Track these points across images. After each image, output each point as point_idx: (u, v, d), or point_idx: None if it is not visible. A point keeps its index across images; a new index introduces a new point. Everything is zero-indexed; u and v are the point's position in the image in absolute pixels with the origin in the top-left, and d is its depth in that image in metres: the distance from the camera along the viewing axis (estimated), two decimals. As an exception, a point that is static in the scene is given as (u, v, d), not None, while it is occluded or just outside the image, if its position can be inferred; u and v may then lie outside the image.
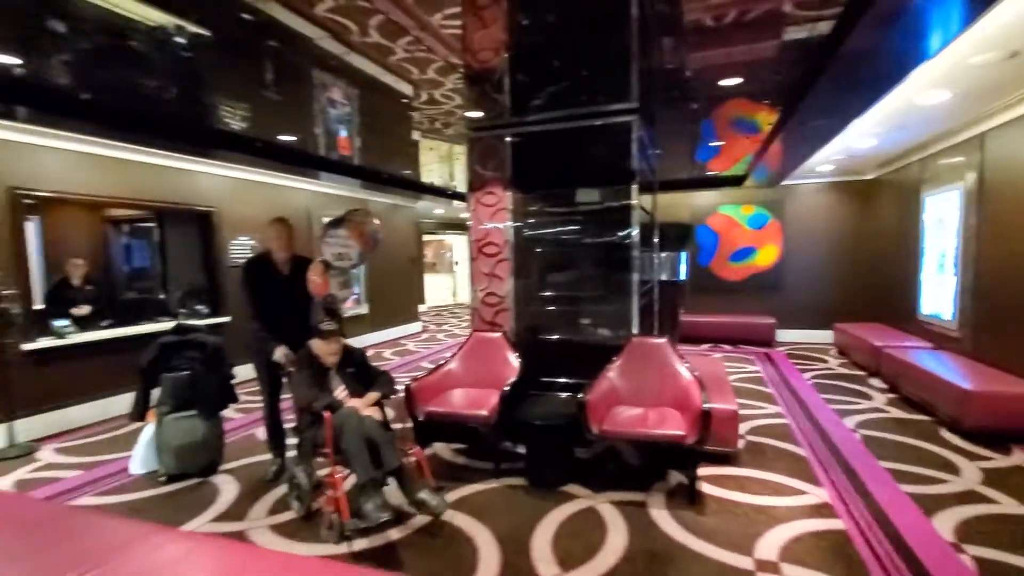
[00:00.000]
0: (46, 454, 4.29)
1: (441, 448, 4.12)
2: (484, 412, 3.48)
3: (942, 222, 5.84)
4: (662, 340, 3.74)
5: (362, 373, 3.30)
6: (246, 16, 3.25)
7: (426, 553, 2.70)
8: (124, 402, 4.78)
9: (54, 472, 3.91)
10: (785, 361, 7.13)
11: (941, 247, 5.86)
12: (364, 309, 8.94)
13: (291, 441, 3.58)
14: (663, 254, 5.51)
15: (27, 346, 4.57)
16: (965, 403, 4.08)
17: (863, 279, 8.07)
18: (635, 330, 3.85)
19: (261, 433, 4.62)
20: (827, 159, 6.87)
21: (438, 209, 12.40)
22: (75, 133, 4.82)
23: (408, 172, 7.49)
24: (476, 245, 4.21)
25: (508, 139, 4.03)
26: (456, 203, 10.54)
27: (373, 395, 3.15)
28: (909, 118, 4.96)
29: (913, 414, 4.77)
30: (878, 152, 6.63)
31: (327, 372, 3.16)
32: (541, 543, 2.76)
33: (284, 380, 3.46)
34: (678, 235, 5.66)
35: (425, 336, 10.39)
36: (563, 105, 3.77)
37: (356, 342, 8.60)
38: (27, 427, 4.49)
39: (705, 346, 8.24)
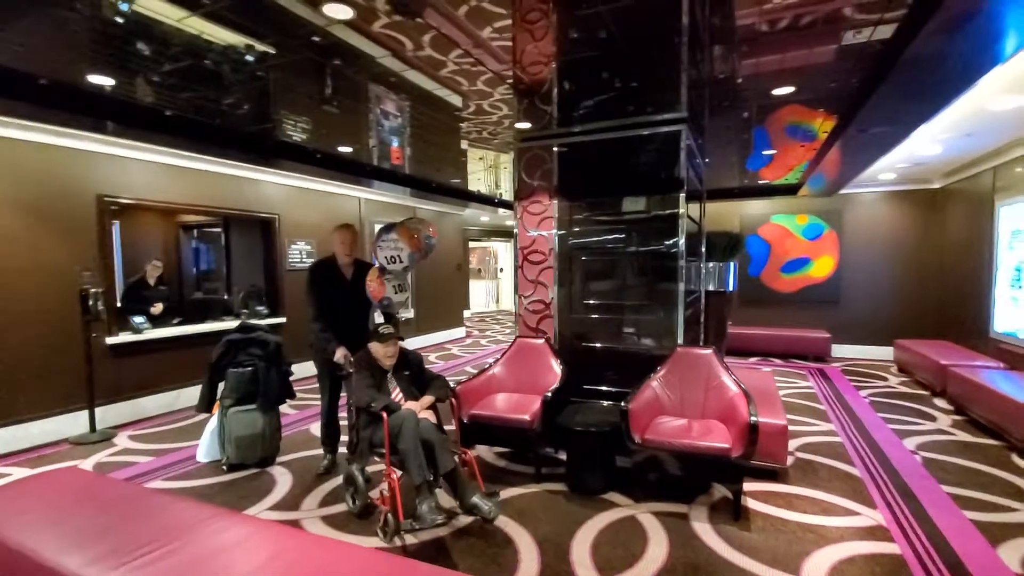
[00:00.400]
0: (122, 440, 4.66)
1: (484, 451, 4.20)
2: (527, 417, 3.54)
3: (1018, 233, 5.47)
4: (708, 351, 3.70)
5: (418, 376, 3.37)
6: (313, 37, 3.47)
7: (468, 552, 2.77)
8: (192, 394, 5.11)
9: (129, 457, 4.24)
10: (840, 377, 6.83)
11: (1017, 260, 5.49)
12: (411, 313, 9.18)
13: (345, 438, 3.75)
14: (710, 264, 5.42)
15: (109, 340, 4.98)
16: (1041, 428, 3.81)
17: (928, 294, 7.64)
18: (680, 340, 3.82)
19: (316, 429, 4.85)
20: (890, 167, 6.58)
21: (484, 216, 12.59)
22: (156, 145, 5.24)
23: (456, 180, 7.67)
24: (522, 253, 4.29)
25: (555, 149, 4.10)
26: (501, 211, 10.69)
27: (428, 398, 3.21)
28: (980, 124, 4.70)
29: (982, 438, 4.48)
30: (945, 160, 6.29)
31: (384, 374, 3.24)
32: (580, 549, 2.79)
33: (343, 380, 3.62)
34: (726, 245, 5.55)
35: (469, 341, 10.54)
36: (611, 115, 3.81)
37: (406, 345, 8.90)
38: (106, 415, 4.89)
39: (754, 359, 8.00)
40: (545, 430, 3.59)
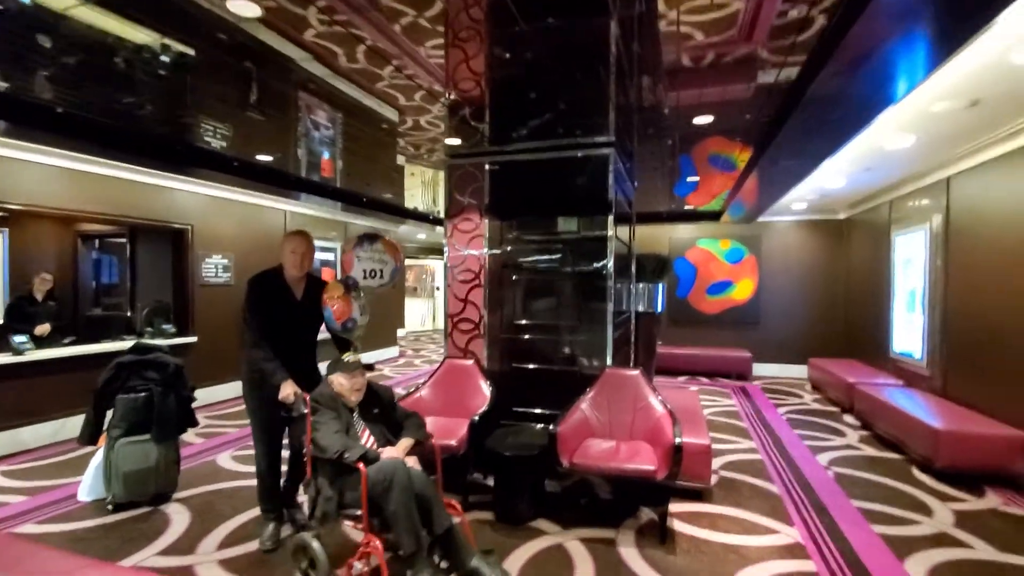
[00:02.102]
0: (-12, 478, 4.06)
1: (409, 479, 3.99)
2: (453, 442, 3.38)
3: (911, 262, 5.98)
4: (635, 372, 3.71)
5: (389, 415, 2.85)
6: (231, 38, 3.25)
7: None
8: (79, 423, 4.56)
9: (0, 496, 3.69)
10: (760, 395, 7.14)
11: (910, 286, 5.99)
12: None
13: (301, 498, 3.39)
14: (640, 285, 5.52)
15: (-21, 363, 4.36)
16: (935, 442, 4.09)
17: (837, 315, 8.20)
18: (609, 361, 3.82)
19: (224, 460, 4.45)
20: (801, 198, 7.04)
21: (421, 234, 12.38)
22: (52, 147, 4.73)
23: (390, 196, 7.48)
24: (452, 271, 4.17)
25: (486, 167, 4.05)
26: (438, 228, 10.54)
27: (407, 442, 2.68)
28: (878, 160, 5.12)
29: (885, 452, 4.77)
30: (849, 192, 6.82)
31: (351, 413, 2.69)
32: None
33: (289, 424, 2.94)
34: (655, 267, 5.69)
35: (402, 361, 10.22)
36: (541, 136, 3.81)
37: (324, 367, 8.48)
38: (-29, 449, 4.25)
39: (682, 378, 8.23)
40: (473, 455, 3.45)
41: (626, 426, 3.56)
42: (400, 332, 12.89)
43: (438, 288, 16.51)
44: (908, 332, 6.03)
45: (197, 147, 5.01)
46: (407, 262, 14.66)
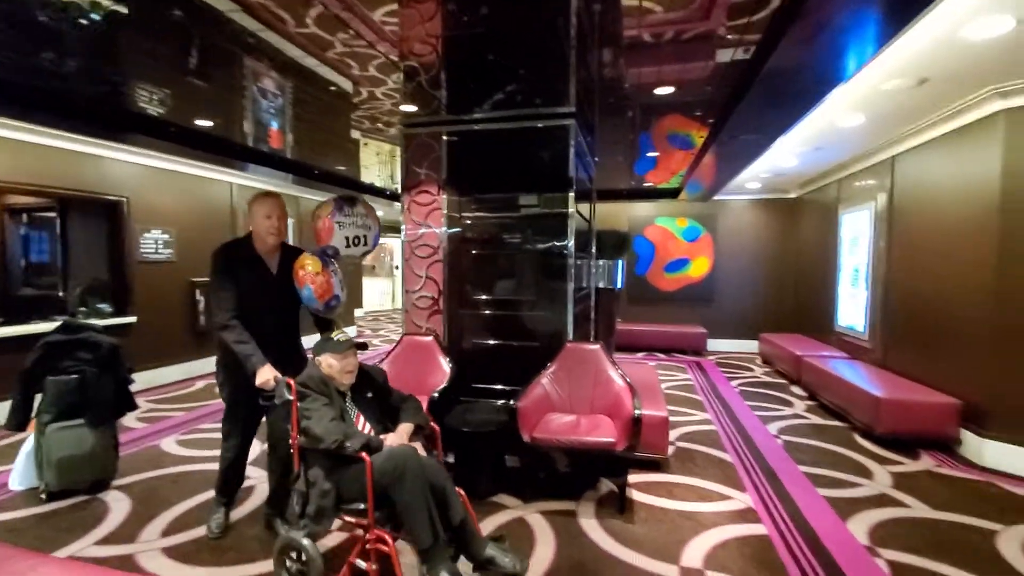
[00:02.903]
0: (-100, 471, 3.72)
1: (367, 458, 3.90)
2: (412, 420, 3.31)
3: (856, 240, 6.22)
4: (596, 346, 3.71)
5: (383, 398, 2.59)
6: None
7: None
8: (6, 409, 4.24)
9: (-93, 492, 3.39)
10: (714, 369, 7.36)
11: (855, 263, 6.24)
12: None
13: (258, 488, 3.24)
14: (600, 262, 5.53)
15: None
16: (876, 410, 4.31)
17: (787, 292, 8.50)
18: (570, 337, 3.81)
19: (168, 444, 4.23)
20: (755, 176, 7.20)
21: (378, 211, 12.04)
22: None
23: (344, 168, 7.18)
24: (409, 246, 4.04)
25: (444, 137, 3.91)
26: (396, 205, 10.26)
27: (407, 427, 2.45)
28: (828, 139, 5.26)
29: (830, 420, 5.00)
30: (801, 172, 7.01)
31: (343, 398, 2.44)
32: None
33: (266, 411, 2.67)
34: (615, 243, 5.72)
35: (360, 342, 10.00)
36: (501, 106, 3.70)
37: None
38: None
39: (640, 354, 8.39)
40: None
41: (586, 400, 3.57)
42: (358, 312, 12.62)
43: (397, 267, 16.21)
44: (852, 307, 6.30)
45: (131, 111, 4.64)
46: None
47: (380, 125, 5.28)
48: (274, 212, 2.67)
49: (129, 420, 4.65)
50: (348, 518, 2.28)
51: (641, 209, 8.98)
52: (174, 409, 5.17)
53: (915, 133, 4.74)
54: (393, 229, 15.12)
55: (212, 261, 2.65)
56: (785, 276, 8.53)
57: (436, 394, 3.41)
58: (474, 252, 4.03)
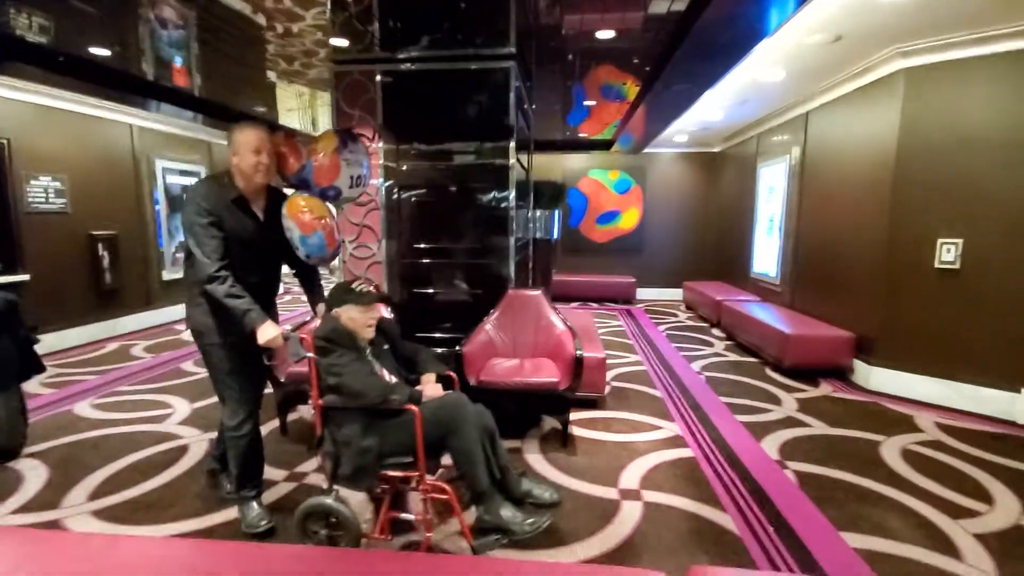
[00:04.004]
0: None
1: (306, 411, 3.84)
2: (355, 369, 3.27)
3: (772, 191, 6.66)
4: (537, 292, 3.80)
5: (396, 350, 2.48)
6: None
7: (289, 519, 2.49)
8: None
9: None
10: (644, 316, 7.78)
11: (770, 214, 6.71)
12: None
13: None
14: (538, 212, 5.60)
15: None
16: (784, 346, 4.77)
17: (708, 242, 9.02)
18: (512, 284, 3.87)
19: (82, 409, 3.93)
20: (683, 130, 7.45)
21: (300, 161, 11.34)
22: None
23: (262, 109, 6.65)
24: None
25: (379, 78, 3.72)
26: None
27: (431, 376, 2.42)
28: (753, 93, 5.51)
29: (746, 357, 5.48)
30: (725, 126, 7.33)
31: (363, 352, 2.29)
32: (413, 502, 2.69)
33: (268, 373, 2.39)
34: (552, 194, 5.78)
35: (287, 298, 9.59)
36: (440, 44, 3.55)
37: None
38: None
39: (575, 304, 8.67)
40: (376, 382, 3.37)
41: (529, 344, 3.68)
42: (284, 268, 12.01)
43: (336, 220, 15.44)
44: (766, 254, 6.81)
45: (7, 35, 4.00)
46: (287, 191, 13.43)
47: (298, 66, 4.90)
48: (264, 146, 2.26)
49: (34, 386, 4.25)
50: (392, 472, 2.17)
51: (575, 161, 9.07)
52: (85, 373, 4.78)
53: (827, 90, 5.07)
54: (317, 181, 14.32)
55: (189, 201, 2.24)
56: (708, 227, 9.03)
57: (380, 343, 3.38)
58: (415, 200, 3.94)
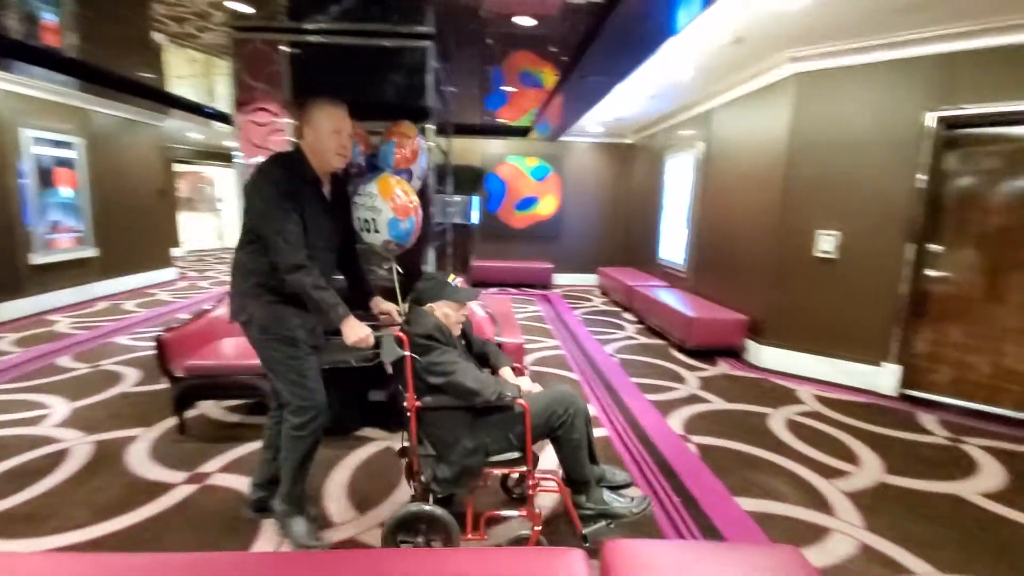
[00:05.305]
0: None
1: (210, 407, 3.57)
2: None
3: (678, 183, 7.06)
4: (460, 278, 3.77)
5: (473, 346, 2.40)
6: None
7: (190, 524, 2.32)
8: None
9: None
10: (560, 301, 7.99)
11: (677, 203, 7.11)
12: (90, 251, 7.13)
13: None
14: (456, 198, 5.54)
15: None
16: (688, 328, 5.11)
17: (622, 229, 9.41)
18: (432, 269, 3.80)
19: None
20: (598, 121, 7.66)
21: (194, 132, 10.40)
22: None
23: (150, 76, 5.98)
24: (246, 172, 3.59)
25: (285, 48, 3.46)
26: (216, 126, 8.91)
27: (508, 369, 2.39)
28: (662, 88, 5.77)
29: (654, 339, 5.81)
30: (637, 118, 7.64)
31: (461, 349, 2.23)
32: (336, 490, 2.62)
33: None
34: (470, 179, 5.73)
35: (183, 284, 8.83)
36: (354, 17, 3.36)
37: (82, 292, 6.91)
38: None
39: (493, 290, 8.72)
40: (287, 373, 3.20)
41: (448, 331, 3.65)
42: (177, 251, 11.01)
43: (221, 200, 14.32)
44: (673, 242, 7.23)
45: None
46: (177, 168, 12.28)
47: (192, 29, 4.45)
48: (345, 126, 2.12)
49: None
50: (497, 471, 2.18)
51: (493, 147, 9.05)
52: (-72, 372, 4.11)
53: (729, 89, 5.43)
54: (213, 156, 13.21)
55: (265, 180, 2.01)
56: (621, 215, 9.41)
57: (290, 333, 3.20)
58: (326, 181, 3.73)
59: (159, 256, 8.95)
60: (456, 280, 2.22)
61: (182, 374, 3.14)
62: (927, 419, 3.73)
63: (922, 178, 3.93)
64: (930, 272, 3.99)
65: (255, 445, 3.05)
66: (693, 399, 4.00)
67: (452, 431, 2.05)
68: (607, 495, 2.20)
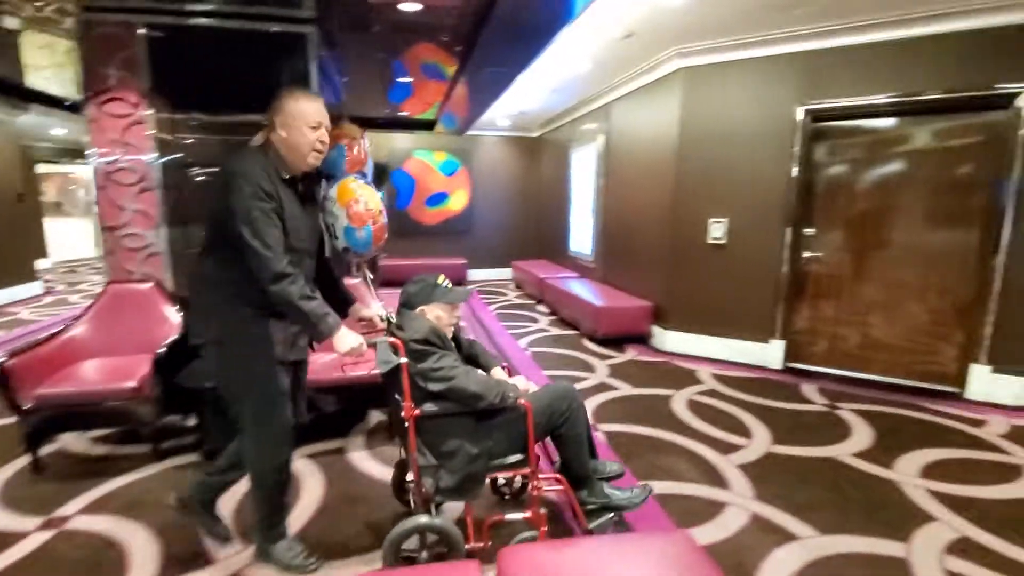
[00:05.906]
0: None
1: (72, 440, 3.14)
2: (131, 384, 2.75)
3: (583, 176, 7.21)
4: (358, 279, 3.58)
5: (462, 348, 2.30)
6: None
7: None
8: None
9: None
10: (475, 297, 7.92)
11: (583, 195, 7.26)
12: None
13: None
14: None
15: None
16: (597, 317, 5.23)
17: (532, 222, 9.50)
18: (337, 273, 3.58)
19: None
20: (504, 114, 7.65)
21: (57, 129, 9.22)
22: None
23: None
24: (104, 170, 3.19)
25: (143, 31, 3.09)
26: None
27: (499, 369, 2.29)
28: (563, 83, 5.83)
29: (566, 330, 5.90)
30: (542, 112, 7.71)
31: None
32: (225, 517, 2.37)
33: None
34: (375, 174, 5.48)
35: (50, 299, 7.81)
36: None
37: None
38: None
39: (406, 288, 8.49)
40: (162, 395, 2.87)
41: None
42: (43, 263, 9.72)
43: (97, 203, 12.82)
44: (582, 233, 7.39)
45: None
46: (41, 169, 10.82)
47: (50, 12, 3.88)
48: (324, 121, 1.88)
49: None
50: (500, 475, 2.15)
51: (400, 141, 8.78)
52: None
53: (624, 83, 5.59)
54: (83, 155, 11.77)
55: (243, 181, 1.73)
56: (531, 208, 9.49)
57: (163, 350, 2.87)
58: (200, 179, 3.40)
59: (19, 269, 7.85)
60: (445, 281, 2.17)
61: (32, 405, 2.72)
62: (808, 388, 4.05)
63: (795, 167, 4.25)
64: (806, 254, 4.33)
65: (126, 479, 2.72)
66: (602, 387, 4.08)
67: (456, 438, 1.97)
68: (607, 488, 2.20)
